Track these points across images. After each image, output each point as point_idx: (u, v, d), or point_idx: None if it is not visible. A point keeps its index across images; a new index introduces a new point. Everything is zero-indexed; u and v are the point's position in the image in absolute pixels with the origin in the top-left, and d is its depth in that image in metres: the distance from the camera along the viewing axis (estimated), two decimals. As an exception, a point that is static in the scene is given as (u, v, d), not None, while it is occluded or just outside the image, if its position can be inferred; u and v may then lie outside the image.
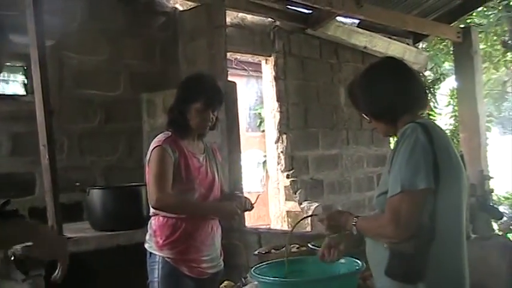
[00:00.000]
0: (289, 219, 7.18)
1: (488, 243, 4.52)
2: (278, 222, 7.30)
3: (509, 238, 6.45)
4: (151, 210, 3.36)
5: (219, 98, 3.44)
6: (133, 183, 4.52)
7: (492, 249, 4.40)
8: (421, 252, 2.19)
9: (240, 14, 6.70)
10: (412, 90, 2.46)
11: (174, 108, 3.42)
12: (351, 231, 2.42)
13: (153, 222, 3.34)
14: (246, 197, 3.51)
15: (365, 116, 2.56)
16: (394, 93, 2.42)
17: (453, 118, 10.06)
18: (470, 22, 10.46)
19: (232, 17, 6.54)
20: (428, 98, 2.47)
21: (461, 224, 2.37)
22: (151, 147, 3.31)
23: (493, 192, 8.56)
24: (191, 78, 3.59)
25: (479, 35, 9.90)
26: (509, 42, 10.86)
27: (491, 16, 11.08)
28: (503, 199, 11.17)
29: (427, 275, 2.19)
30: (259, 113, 9.25)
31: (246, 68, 8.12)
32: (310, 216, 3.36)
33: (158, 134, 3.44)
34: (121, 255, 4.13)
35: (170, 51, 5.66)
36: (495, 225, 8.62)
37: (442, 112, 10.09)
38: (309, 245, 3.23)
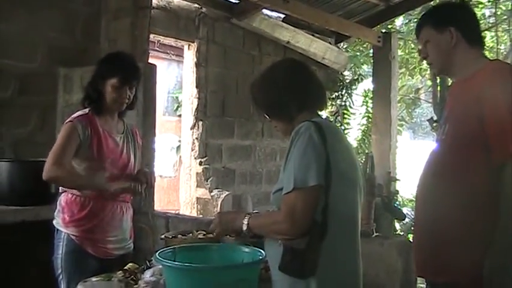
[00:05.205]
0: (199, 206, 7.21)
1: (388, 242, 4.72)
2: (187, 209, 7.31)
3: (409, 238, 6.73)
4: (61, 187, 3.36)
5: (136, 75, 3.45)
6: (43, 159, 4.43)
7: (391, 247, 4.59)
8: (313, 248, 2.25)
9: (167, -3, 6.67)
10: (308, 90, 2.53)
11: (90, 84, 3.42)
12: (242, 230, 2.46)
13: (62, 199, 3.34)
14: (147, 172, 3.56)
15: (265, 116, 2.63)
16: (288, 92, 2.49)
17: (366, 119, 10.30)
18: (391, 28, 10.73)
19: (158, -1, 6.50)
20: (327, 98, 2.55)
21: (354, 221, 2.46)
22: (64, 123, 3.32)
23: (398, 193, 8.86)
24: (109, 55, 3.64)
25: (399, 42, 10.18)
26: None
27: (412, 25, 11.40)
28: (407, 201, 11.53)
29: (318, 270, 2.26)
30: (177, 97, 9.21)
31: (168, 51, 8.07)
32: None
33: (73, 110, 3.41)
34: (26, 231, 4.05)
35: (92, 28, 5.52)
36: (398, 226, 8.94)
37: (357, 112, 10.30)
38: (216, 232, 3.27)
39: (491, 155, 2.39)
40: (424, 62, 3.01)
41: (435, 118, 7.70)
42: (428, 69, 10.95)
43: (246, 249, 2.61)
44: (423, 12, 2.95)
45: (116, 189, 3.30)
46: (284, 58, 2.59)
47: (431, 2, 8.25)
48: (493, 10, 11.31)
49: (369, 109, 9.99)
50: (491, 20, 11.52)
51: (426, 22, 2.75)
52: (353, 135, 10.36)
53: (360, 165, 2.63)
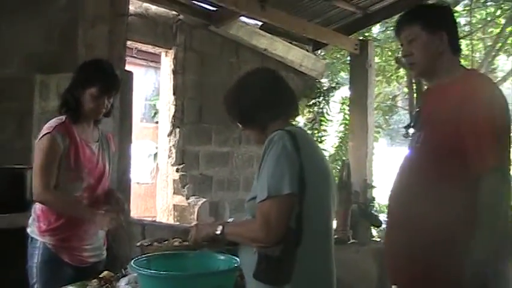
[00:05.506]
0: (176, 213, 7.20)
1: (363, 248, 4.75)
2: (164, 216, 7.30)
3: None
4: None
5: (116, 85, 3.39)
6: (18, 165, 4.40)
7: (366, 254, 4.62)
8: (288, 255, 2.26)
9: (145, 4, 6.67)
10: (281, 99, 2.55)
11: (68, 91, 3.35)
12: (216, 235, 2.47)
13: (38, 207, 3.28)
14: (120, 198, 3.48)
15: (239, 125, 2.64)
16: (261, 102, 2.51)
17: (343, 126, 10.37)
18: (368, 36, 10.82)
19: (136, 6, 6.49)
20: (298, 107, 2.54)
21: (328, 228, 2.48)
22: (41, 133, 3.24)
23: (374, 200, 8.91)
24: (89, 63, 3.53)
25: (376, 49, 10.26)
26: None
27: (388, 32, 11.52)
28: (384, 208, 11.57)
29: (293, 278, 2.27)
30: (155, 105, 9.20)
31: (145, 58, 8.07)
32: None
33: (49, 117, 3.37)
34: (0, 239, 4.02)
35: (69, 34, 5.46)
36: (375, 232, 8.97)
37: (334, 119, 10.37)
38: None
39: (469, 166, 2.40)
40: (401, 69, 2.99)
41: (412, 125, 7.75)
42: (405, 77, 11.04)
43: (222, 257, 2.61)
44: (409, 10, 2.85)
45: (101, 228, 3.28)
46: (257, 67, 2.55)
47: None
48: (468, 19, 11.45)
49: (346, 116, 10.05)
50: (467, 28, 11.66)
51: (415, 20, 2.65)
52: (330, 142, 10.40)
53: (333, 173, 2.65)
